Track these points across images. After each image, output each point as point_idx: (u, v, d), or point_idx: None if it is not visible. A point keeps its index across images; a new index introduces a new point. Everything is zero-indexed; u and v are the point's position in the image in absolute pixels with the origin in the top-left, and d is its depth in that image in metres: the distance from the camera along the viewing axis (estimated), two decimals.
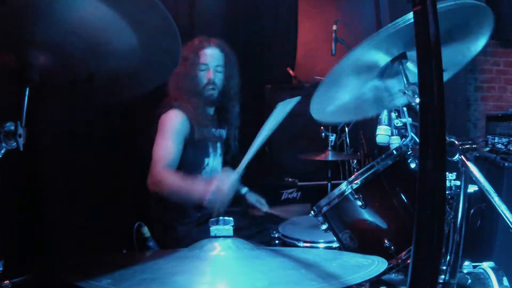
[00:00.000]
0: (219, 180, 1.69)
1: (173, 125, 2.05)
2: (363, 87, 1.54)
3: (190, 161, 2.13)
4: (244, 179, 2.48)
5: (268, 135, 1.76)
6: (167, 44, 1.07)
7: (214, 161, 2.26)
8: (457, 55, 1.51)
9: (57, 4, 0.95)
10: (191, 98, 2.13)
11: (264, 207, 2.26)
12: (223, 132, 2.35)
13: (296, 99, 1.80)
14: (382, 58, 1.42)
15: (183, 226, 2.10)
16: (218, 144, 2.30)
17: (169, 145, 2.00)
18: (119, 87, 1.20)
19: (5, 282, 1.08)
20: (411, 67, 1.45)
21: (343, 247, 1.49)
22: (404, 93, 1.37)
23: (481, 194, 1.24)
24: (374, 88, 1.56)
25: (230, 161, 2.40)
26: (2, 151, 0.95)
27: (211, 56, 2.17)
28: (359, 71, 1.45)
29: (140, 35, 1.04)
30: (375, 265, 0.97)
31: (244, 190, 2.36)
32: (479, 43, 1.47)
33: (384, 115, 1.66)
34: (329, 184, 2.84)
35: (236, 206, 2.29)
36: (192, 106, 2.12)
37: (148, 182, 1.88)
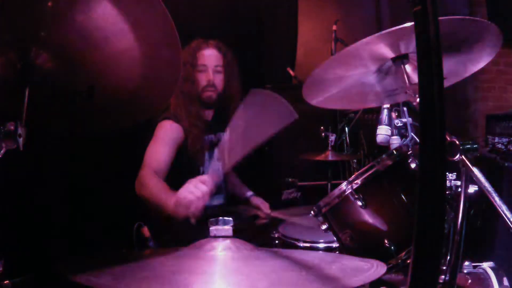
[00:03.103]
0: (193, 184, 1.56)
1: (166, 134, 2.07)
2: (360, 78, 1.55)
3: (184, 170, 2.13)
4: (245, 179, 2.49)
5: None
6: (168, 56, 1.07)
7: (210, 167, 2.25)
8: (460, 67, 1.52)
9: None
10: (188, 104, 2.12)
11: (267, 210, 2.26)
12: (222, 136, 2.35)
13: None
14: (385, 55, 1.42)
15: (182, 226, 2.09)
16: (216, 149, 2.30)
17: (159, 152, 2.01)
18: (118, 109, 1.19)
19: (5, 282, 1.08)
20: (411, 68, 1.46)
21: (343, 247, 1.49)
22: (406, 92, 1.37)
23: (481, 194, 1.24)
24: (370, 82, 1.58)
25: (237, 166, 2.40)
26: (2, 151, 0.95)
27: (210, 57, 2.16)
28: (361, 62, 1.45)
29: (142, 42, 1.04)
30: (374, 268, 0.97)
31: (249, 193, 2.36)
32: (482, 60, 1.50)
33: (384, 115, 1.65)
34: (329, 184, 2.84)
35: (236, 206, 2.30)
36: (187, 114, 2.11)
37: (135, 184, 1.87)
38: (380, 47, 1.37)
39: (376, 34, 1.28)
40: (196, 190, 1.54)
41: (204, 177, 1.59)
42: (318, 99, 1.65)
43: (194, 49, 2.16)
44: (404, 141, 1.56)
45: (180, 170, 2.11)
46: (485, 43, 1.39)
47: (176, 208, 1.58)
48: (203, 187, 1.54)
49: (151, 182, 1.82)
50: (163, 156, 2.00)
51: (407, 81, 1.39)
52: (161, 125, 2.09)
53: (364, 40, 1.30)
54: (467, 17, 1.29)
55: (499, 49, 1.42)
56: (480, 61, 1.52)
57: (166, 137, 2.06)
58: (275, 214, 2.24)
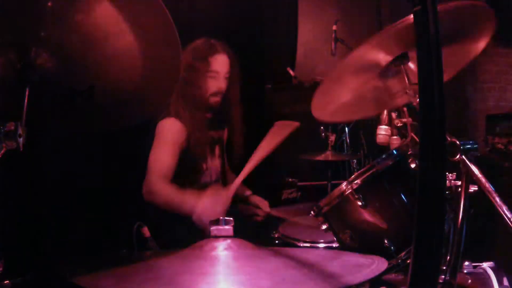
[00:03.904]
0: (209, 196, 1.60)
1: (169, 134, 2.05)
2: (364, 86, 1.54)
3: (187, 167, 2.13)
4: (245, 179, 2.49)
5: (263, 156, 1.71)
6: (168, 56, 1.07)
7: (212, 164, 2.25)
8: (456, 57, 1.51)
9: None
10: (194, 107, 2.09)
11: (267, 209, 2.26)
12: (222, 133, 2.35)
13: (295, 124, 1.77)
14: (383, 58, 1.42)
15: (182, 226, 2.10)
16: (216, 147, 2.30)
17: (164, 155, 1.99)
18: (118, 109, 1.19)
19: (5, 282, 1.08)
20: (412, 67, 1.45)
21: (343, 247, 1.49)
22: (406, 93, 1.37)
23: (481, 194, 1.24)
24: (374, 88, 1.57)
25: (237, 164, 2.40)
26: (2, 151, 0.95)
27: (222, 64, 2.11)
28: (361, 71, 1.45)
29: (142, 42, 1.04)
30: (375, 264, 0.97)
31: (248, 192, 2.35)
32: (479, 45, 1.47)
33: (384, 115, 1.65)
34: (329, 184, 2.84)
35: (236, 207, 2.29)
36: (192, 116, 2.09)
37: (143, 190, 1.87)
38: (380, 47, 1.37)
39: (376, 35, 1.28)
40: (213, 214, 1.57)
41: (220, 194, 1.60)
42: (329, 114, 1.63)
43: (205, 53, 2.10)
44: (404, 141, 1.56)
45: (183, 167, 2.10)
46: (478, 27, 1.37)
47: (197, 218, 1.60)
48: (220, 208, 1.59)
49: (162, 189, 1.82)
50: (168, 160, 1.99)
51: (407, 81, 1.39)
52: (162, 125, 2.06)
53: (363, 44, 1.29)
54: (456, 2, 1.26)
55: (493, 30, 1.39)
56: (476, 47, 1.47)
57: (169, 139, 2.04)
58: (274, 212, 2.24)
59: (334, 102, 1.57)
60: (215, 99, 2.14)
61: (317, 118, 1.60)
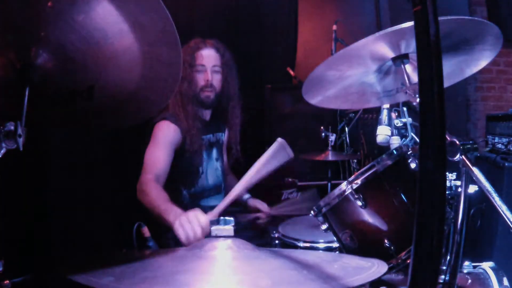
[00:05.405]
0: (188, 217, 1.55)
1: (165, 136, 2.06)
2: (360, 78, 1.55)
3: (184, 171, 2.13)
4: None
5: (255, 180, 1.69)
6: (168, 56, 1.08)
7: (209, 167, 2.25)
8: (460, 67, 1.52)
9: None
10: (186, 103, 2.11)
11: (267, 211, 2.25)
12: (221, 136, 2.35)
13: (291, 156, 1.81)
14: (385, 55, 1.42)
15: None
16: (214, 149, 2.30)
17: (159, 156, 1.99)
18: (118, 109, 1.19)
19: (5, 282, 1.08)
20: (411, 68, 1.46)
21: (343, 247, 1.49)
22: (406, 92, 1.37)
23: (481, 194, 1.25)
24: (370, 81, 1.57)
25: (234, 166, 2.40)
26: (2, 151, 0.95)
27: (208, 57, 2.16)
28: (361, 61, 1.45)
29: (142, 42, 1.04)
30: (375, 267, 0.97)
31: (246, 196, 2.34)
32: (482, 60, 1.50)
33: (384, 115, 1.66)
34: (329, 184, 2.84)
35: (236, 207, 2.29)
36: (185, 114, 2.10)
37: (136, 188, 1.87)
38: (380, 46, 1.37)
39: (376, 34, 1.28)
40: (191, 231, 1.52)
41: (201, 215, 1.55)
42: (317, 99, 1.64)
43: (193, 49, 2.15)
44: (404, 141, 1.56)
45: (179, 171, 2.10)
46: (485, 43, 1.39)
47: (174, 226, 1.58)
48: (199, 228, 1.52)
49: (152, 191, 1.80)
50: (163, 160, 1.99)
51: (407, 81, 1.39)
52: (158, 127, 2.07)
53: (364, 39, 1.30)
54: (467, 17, 1.29)
55: (499, 50, 1.42)
56: (480, 62, 1.52)
57: (164, 140, 2.05)
58: (275, 212, 2.23)
59: (327, 87, 1.58)
60: (205, 94, 2.15)
61: (307, 100, 1.62)
